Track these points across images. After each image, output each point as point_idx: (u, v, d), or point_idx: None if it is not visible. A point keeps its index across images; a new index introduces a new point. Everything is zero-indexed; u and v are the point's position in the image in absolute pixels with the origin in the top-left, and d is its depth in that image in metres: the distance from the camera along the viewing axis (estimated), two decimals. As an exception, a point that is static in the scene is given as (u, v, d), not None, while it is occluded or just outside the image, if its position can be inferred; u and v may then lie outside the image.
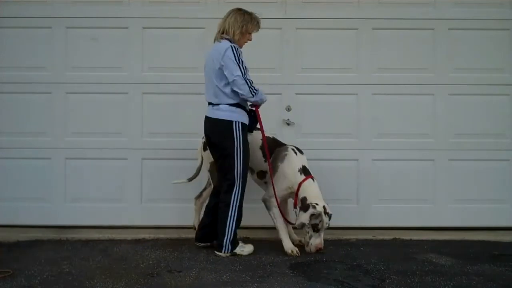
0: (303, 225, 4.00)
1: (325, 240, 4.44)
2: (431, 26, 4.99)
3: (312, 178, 4.16)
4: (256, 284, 3.39)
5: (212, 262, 3.90)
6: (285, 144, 4.36)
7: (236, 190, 4.05)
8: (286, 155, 4.22)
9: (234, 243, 4.09)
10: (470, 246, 4.44)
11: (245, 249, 4.13)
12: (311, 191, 4.08)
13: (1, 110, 4.95)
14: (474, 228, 4.89)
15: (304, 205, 4.03)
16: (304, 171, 4.16)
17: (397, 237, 4.69)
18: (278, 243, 4.38)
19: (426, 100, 5.00)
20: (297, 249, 4.08)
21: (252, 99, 4.02)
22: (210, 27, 4.93)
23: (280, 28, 4.94)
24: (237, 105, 4.05)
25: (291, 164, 4.18)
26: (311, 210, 3.98)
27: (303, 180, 4.12)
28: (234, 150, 4.02)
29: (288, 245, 4.12)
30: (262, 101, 4.12)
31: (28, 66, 4.95)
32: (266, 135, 4.31)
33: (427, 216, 4.97)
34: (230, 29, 4.08)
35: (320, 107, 4.95)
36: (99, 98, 4.95)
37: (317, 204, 4.01)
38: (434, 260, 4.01)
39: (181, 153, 4.95)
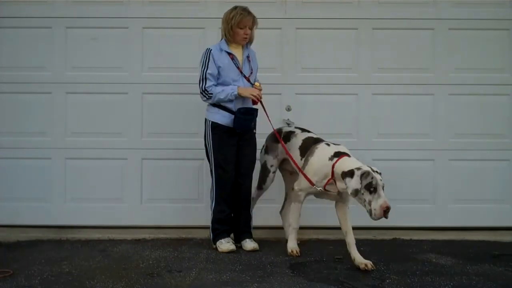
0: (357, 192, 3.55)
1: (325, 240, 4.46)
2: (431, 26, 4.99)
3: (348, 155, 3.82)
4: (256, 284, 3.39)
5: (212, 262, 3.90)
6: (324, 141, 4.13)
7: (211, 185, 4.29)
8: (316, 148, 3.98)
9: (215, 235, 4.24)
10: (470, 246, 4.44)
11: (221, 246, 4.18)
12: (348, 163, 3.71)
13: (1, 110, 4.95)
14: (474, 228, 4.89)
15: (347, 174, 3.63)
16: (337, 155, 3.82)
17: (397, 237, 4.69)
18: (278, 243, 4.39)
19: (426, 100, 5.00)
20: (297, 250, 4.04)
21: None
22: (210, 27, 4.95)
23: (280, 28, 4.94)
24: (213, 104, 4.22)
25: (320, 156, 3.90)
26: (357, 172, 3.57)
27: (336, 161, 3.78)
28: (206, 147, 4.30)
29: (291, 244, 4.06)
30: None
31: (28, 66, 4.95)
32: (310, 135, 4.22)
33: (427, 216, 4.97)
34: (222, 32, 4.27)
35: (320, 107, 4.95)
36: (99, 98, 4.95)
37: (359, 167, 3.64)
38: (434, 260, 4.01)
39: (181, 153, 4.95)
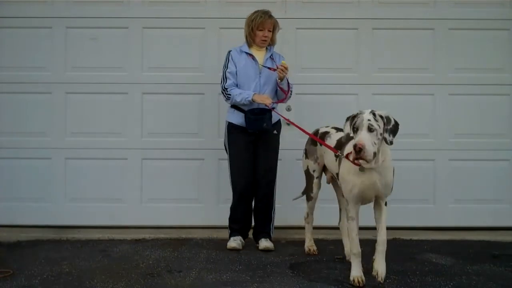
0: (347, 136, 3.37)
1: (325, 240, 4.45)
2: (431, 26, 4.99)
3: None
4: (256, 284, 3.39)
5: (212, 262, 3.90)
6: None
7: (231, 185, 4.34)
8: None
9: (230, 232, 4.34)
10: (470, 246, 4.44)
11: (228, 242, 4.27)
12: None
13: (1, 110, 4.95)
14: (474, 228, 4.89)
15: (346, 119, 3.45)
16: None
17: (397, 237, 4.69)
18: (278, 243, 4.39)
19: (426, 100, 5.00)
20: (363, 278, 3.42)
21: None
22: (210, 27, 4.95)
23: (280, 28, 4.93)
24: (232, 105, 4.30)
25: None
26: (349, 117, 3.38)
27: None
28: (225, 147, 4.39)
29: (354, 273, 3.44)
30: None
31: (28, 66, 4.95)
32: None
33: (427, 216, 4.97)
34: (244, 34, 4.34)
35: (320, 107, 4.95)
36: (99, 98, 4.95)
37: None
38: (434, 260, 4.02)
39: (181, 153, 4.95)
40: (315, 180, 4.05)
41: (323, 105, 4.95)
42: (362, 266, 3.66)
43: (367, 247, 4.31)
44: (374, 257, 3.49)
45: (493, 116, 4.99)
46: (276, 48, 4.90)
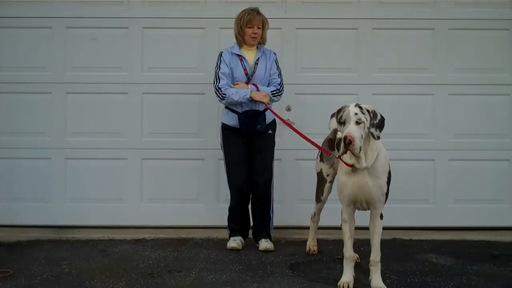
0: (335, 130, 3.49)
1: (325, 240, 4.45)
2: (431, 26, 4.99)
3: None
4: (256, 284, 3.39)
5: (212, 262, 3.91)
6: None
7: (228, 186, 4.38)
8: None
9: (230, 233, 4.35)
10: (470, 246, 4.44)
11: (228, 242, 4.28)
12: None
13: (1, 110, 4.95)
14: (474, 228, 4.89)
15: (332, 115, 3.48)
16: None
17: (397, 237, 4.69)
18: (278, 243, 4.39)
19: (426, 100, 5.00)
20: (350, 286, 3.32)
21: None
22: (210, 27, 4.96)
23: (280, 28, 4.94)
24: (226, 107, 4.31)
25: None
26: (334, 113, 3.35)
27: None
28: (221, 148, 4.41)
29: (344, 277, 3.35)
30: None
31: (28, 66, 4.94)
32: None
33: (427, 216, 4.97)
34: (234, 34, 4.34)
35: (320, 107, 4.94)
36: (99, 98, 4.95)
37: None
38: (434, 260, 4.02)
39: (181, 153, 4.95)
40: (327, 184, 3.98)
41: (323, 105, 4.92)
42: (362, 267, 3.67)
43: (367, 247, 4.31)
44: (370, 277, 3.36)
45: (493, 116, 4.99)
46: (276, 48, 4.91)
